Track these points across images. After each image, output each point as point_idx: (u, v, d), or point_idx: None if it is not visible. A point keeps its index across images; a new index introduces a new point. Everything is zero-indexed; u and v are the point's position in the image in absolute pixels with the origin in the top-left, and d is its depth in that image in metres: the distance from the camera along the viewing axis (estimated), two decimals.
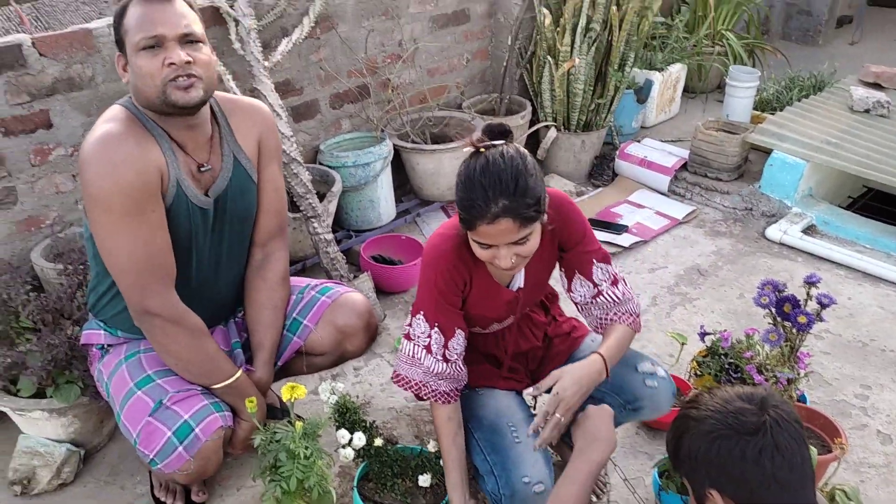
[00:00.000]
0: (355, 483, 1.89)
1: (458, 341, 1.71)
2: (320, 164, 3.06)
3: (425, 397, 1.73)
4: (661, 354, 2.56)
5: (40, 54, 2.26)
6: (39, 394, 1.98)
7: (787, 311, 1.86)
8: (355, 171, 3.00)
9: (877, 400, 2.37)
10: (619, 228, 3.28)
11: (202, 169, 1.71)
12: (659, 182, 3.60)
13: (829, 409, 2.32)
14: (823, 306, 1.86)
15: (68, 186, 2.42)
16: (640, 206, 3.50)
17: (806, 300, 1.90)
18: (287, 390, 1.61)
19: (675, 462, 1.34)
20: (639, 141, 3.86)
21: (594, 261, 1.75)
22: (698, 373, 2.32)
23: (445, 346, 1.70)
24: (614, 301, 1.77)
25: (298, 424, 1.60)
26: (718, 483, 1.24)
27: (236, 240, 1.85)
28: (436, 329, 1.68)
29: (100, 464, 2.15)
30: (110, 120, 1.62)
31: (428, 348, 1.70)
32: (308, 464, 1.59)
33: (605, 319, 1.79)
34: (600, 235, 3.23)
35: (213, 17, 2.63)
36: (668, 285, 2.97)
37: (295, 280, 2.06)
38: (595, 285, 1.76)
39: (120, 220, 1.57)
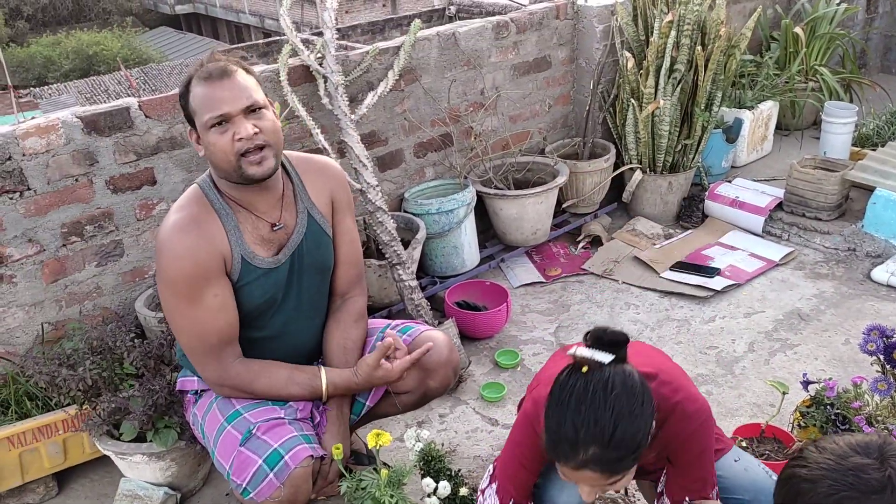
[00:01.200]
0: None
1: None
2: (405, 211, 3.12)
3: None
4: (761, 404, 2.43)
5: (146, 116, 2.42)
6: (140, 438, 2.06)
7: None
8: (439, 217, 3.03)
9: None
10: (710, 272, 3.18)
11: (275, 228, 1.81)
12: (752, 223, 3.47)
13: None
14: None
15: None
16: (732, 248, 3.38)
17: None
18: (373, 437, 1.63)
19: None
20: (729, 181, 3.74)
21: (686, 499, 1.53)
22: (802, 424, 2.19)
23: None
24: None
25: (384, 472, 1.60)
26: None
27: (315, 291, 1.93)
28: None
29: None
30: (182, 208, 1.75)
31: None
32: None
33: None
34: (690, 279, 3.14)
35: (304, 75, 2.75)
36: (766, 330, 2.83)
37: (375, 321, 2.10)
38: None
39: (182, 303, 1.72)
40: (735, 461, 1.63)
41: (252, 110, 1.67)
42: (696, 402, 1.45)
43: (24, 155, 2.22)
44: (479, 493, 1.65)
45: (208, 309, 1.73)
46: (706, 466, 1.50)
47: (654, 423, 1.33)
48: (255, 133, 1.66)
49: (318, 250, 1.89)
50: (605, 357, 1.29)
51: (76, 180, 2.34)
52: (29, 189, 2.26)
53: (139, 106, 2.41)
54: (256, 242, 1.79)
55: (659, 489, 1.62)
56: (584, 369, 1.29)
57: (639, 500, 2.03)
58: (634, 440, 1.27)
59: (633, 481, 1.93)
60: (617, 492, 1.40)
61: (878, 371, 1.83)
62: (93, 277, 2.44)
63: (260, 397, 1.83)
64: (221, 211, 1.75)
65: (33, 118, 2.38)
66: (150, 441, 2.04)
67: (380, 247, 2.73)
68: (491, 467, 1.64)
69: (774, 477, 1.63)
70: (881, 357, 1.78)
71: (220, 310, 1.75)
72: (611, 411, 1.25)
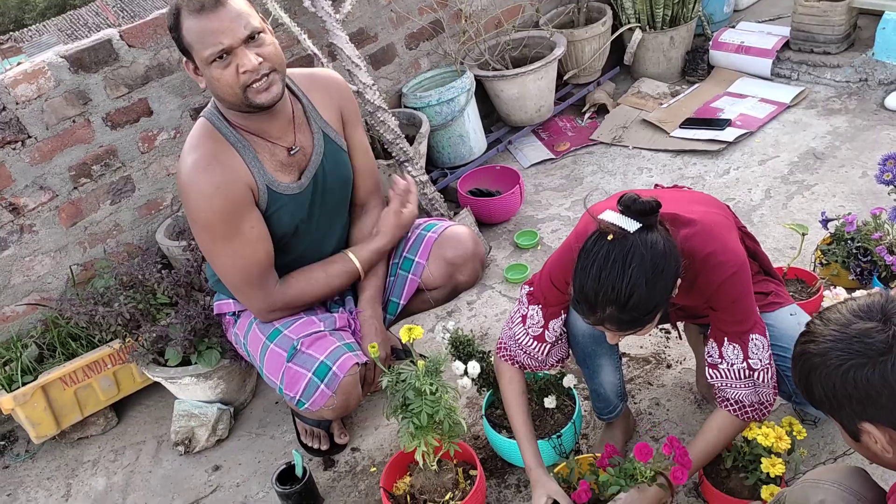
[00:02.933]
0: (483, 411, 1.96)
1: (558, 324, 1.70)
2: (405, 107, 3.07)
3: (499, 354, 1.78)
4: (782, 248, 2.45)
5: (129, 45, 2.37)
6: (185, 362, 2.15)
7: None
8: (440, 108, 2.99)
9: None
10: (721, 124, 3.13)
11: (292, 152, 1.79)
12: (760, 67, 3.38)
13: None
14: None
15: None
16: (741, 95, 3.30)
17: None
18: (405, 332, 1.67)
19: (815, 404, 1.19)
20: (733, 27, 3.61)
21: (725, 340, 1.55)
22: (824, 262, 2.22)
23: (545, 327, 1.69)
24: (737, 377, 1.56)
25: (420, 363, 1.66)
26: (869, 415, 1.11)
27: (340, 204, 1.95)
28: (537, 308, 1.68)
29: (249, 419, 2.32)
30: (197, 147, 1.71)
31: (524, 319, 1.71)
32: (435, 399, 1.66)
33: (719, 393, 1.61)
34: (701, 134, 3.10)
35: None
36: (782, 175, 2.81)
37: None
38: (722, 358, 1.56)
39: (219, 241, 1.73)
40: (791, 315, 1.64)
41: (251, 37, 1.61)
42: (726, 254, 1.45)
43: (17, 103, 2.20)
44: (517, 302, 1.75)
45: (247, 242, 1.74)
46: (743, 311, 1.51)
47: (678, 281, 1.37)
48: (260, 63, 1.60)
49: (338, 167, 1.89)
50: (632, 225, 1.31)
51: (73, 121, 2.32)
52: (29, 137, 2.25)
53: (121, 36, 2.36)
54: (277, 169, 1.78)
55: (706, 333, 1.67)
56: (610, 237, 1.32)
57: (684, 342, 2.11)
58: (649, 304, 1.33)
59: (681, 325, 2.01)
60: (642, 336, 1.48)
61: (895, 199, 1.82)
62: (110, 216, 2.46)
63: (310, 306, 1.89)
64: (237, 143, 1.73)
65: (19, 64, 2.35)
66: (195, 363, 2.13)
67: (385, 146, 2.71)
68: (526, 288, 1.72)
69: None
70: None
71: (258, 240, 1.76)
72: (628, 279, 1.29)
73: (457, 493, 1.80)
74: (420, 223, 2.09)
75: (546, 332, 1.70)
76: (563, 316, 1.70)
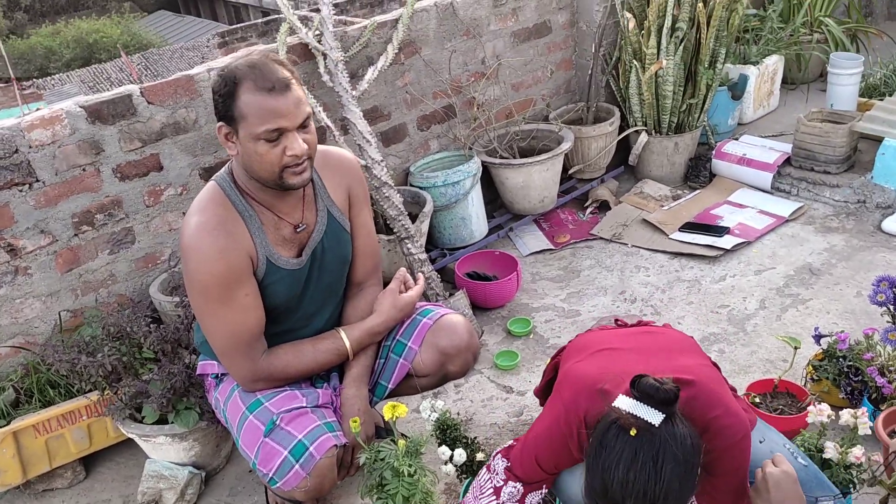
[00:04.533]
0: (460, 498, 1.90)
1: (536, 498, 1.60)
2: (411, 185, 3.12)
3: None
4: (774, 360, 2.44)
5: (148, 102, 2.43)
6: (162, 420, 2.11)
7: None
8: (445, 189, 3.04)
9: None
10: (719, 231, 3.17)
11: (298, 230, 1.82)
12: (761, 180, 3.46)
13: None
14: None
15: (180, 224, 2.58)
16: (741, 206, 3.36)
17: None
18: (389, 409, 1.65)
19: None
20: (737, 139, 3.72)
21: None
22: (815, 377, 2.21)
23: (521, 501, 1.58)
24: None
25: (401, 442, 1.63)
26: None
27: (336, 282, 1.96)
28: (516, 485, 1.58)
29: (220, 485, 2.25)
30: (204, 210, 1.73)
31: (497, 492, 1.59)
32: (412, 481, 1.62)
33: None
34: (700, 239, 3.14)
35: (303, 53, 2.74)
36: (777, 287, 2.83)
37: None
38: None
39: (213, 304, 1.73)
40: (759, 442, 1.57)
41: (303, 124, 1.66)
42: (729, 417, 1.37)
43: (30, 147, 2.24)
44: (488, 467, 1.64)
45: (241, 309, 1.74)
46: (742, 480, 1.43)
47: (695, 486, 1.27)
48: (306, 149, 1.65)
49: (338, 246, 1.91)
50: (656, 417, 1.19)
51: (83, 170, 2.36)
52: (38, 181, 2.28)
53: (141, 92, 2.42)
54: (279, 243, 1.80)
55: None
56: (633, 431, 1.19)
57: None
58: (681, 501, 1.22)
59: None
60: None
61: (888, 322, 1.83)
62: (106, 265, 2.46)
63: (294, 380, 1.86)
64: (244, 212, 1.75)
65: (38, 110, 2.40)
66: (172, 423, 2.08)
67: (387, 222, 2.74)
68: (505, 448, 1.61)
69: (803, 462, 1.58)
70: (891, 307, 1.78)
71: (251, 308, 1.76)
72: (662, 483, 1.18)
73: None
74: (418, 307, 2.08)
75: None
76: (543, 490, 1.60)
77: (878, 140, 3.19)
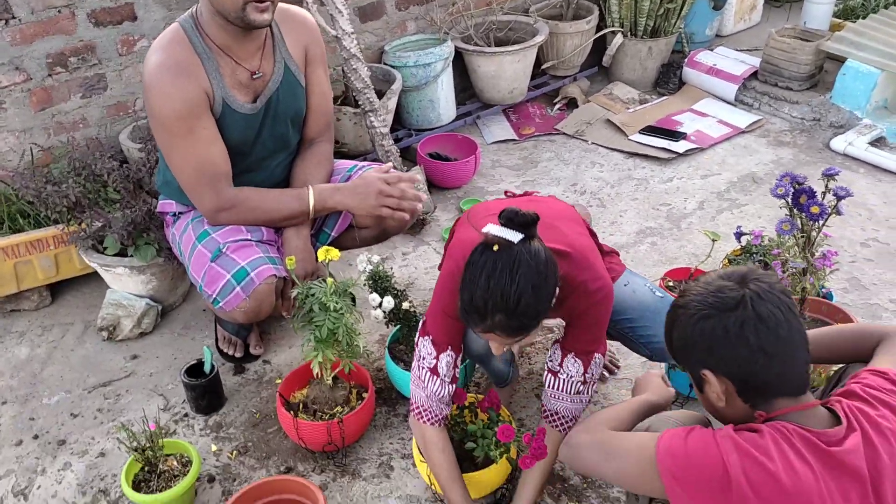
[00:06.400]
0: (388, 343, 2.11)
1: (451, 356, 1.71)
2: (384, 63, 3.20)
3: (418, 419, 1.72)
4: (699, 254, 2.61)
5: None
6: (123, 253, 2.28)
7: (803, 203, 1.89)
8: (416, 70, 3.12)
9: None
10: (676, 136, 3.29)
11: (254, 76, 1.93)
12: (726, 91, 3.54)
13: (861, 312, 2.34)
14: (839, 198, 1.88)
15: None
16: (703, 114, 3.47)
17: (824, 193, 1.93)
18: (322, 253, 1.81)
19: (673, 354, 1.34)
20: (711, 49, 3.77)
21: (571, 354, 1.66)
22: None
23: (455, 366, 1.70)
24: (569, 391, 1.68)
25: (329, 280, 1.80)
26: (709, 363, 1.24)
27: (287, 133, 2.08)
28: (447, 352, 1.69)
29: (175, 320, 2.46)
30: (164, 49, 1.84)
31: (434, 371, 1.69)
32: (338, 316, 1.80)
33: (547, 403, 1.72)
34: (656, 142, 3.26)
35: None
36: (718, 191, 2.98)
37: (342, 162, 2.25)
38: (562, 367, 1.68)
39: (176, 139, 1.86)
40: (624, 285, 1.82)
41: None
42: (597, 282, 1.57)
43: None
44: (416, 343, 1.77)
45: (201, 140, 1.87)
46: (598, 333, 1.66)
47: (556, 293, 1.45)
48: None
49: (292, 99, 2.03)
50: (515, 236, 1.38)
51: (59, 11, 2.43)
52: (14, 17, 2.35)
53: None
54: (235, 87, 1.91)
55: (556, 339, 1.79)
56: (496, 247, 1.38)
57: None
58: (536, 310, 1.40)
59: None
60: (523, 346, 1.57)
61: (786, 214, 1.98)
62: (78, 108, 2.57)
63: (257, 218, 1.99)
64: (203, 54, 1.86)
65: None
66: (132, 256, 2.25)
67: (353, 94, 2.84)
68: (421, 322, 1.76)
69: (659, 294, 1.84)
70: (788, 200, 1.93)
71: (212, 141, 1.89)
72: (516, 286, 1.36)
73: (346, 408, 1.95)
74: (362, 165, 2.22)
75: (455, 370, 1.71)
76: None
77: (843, 61, 3.27)
